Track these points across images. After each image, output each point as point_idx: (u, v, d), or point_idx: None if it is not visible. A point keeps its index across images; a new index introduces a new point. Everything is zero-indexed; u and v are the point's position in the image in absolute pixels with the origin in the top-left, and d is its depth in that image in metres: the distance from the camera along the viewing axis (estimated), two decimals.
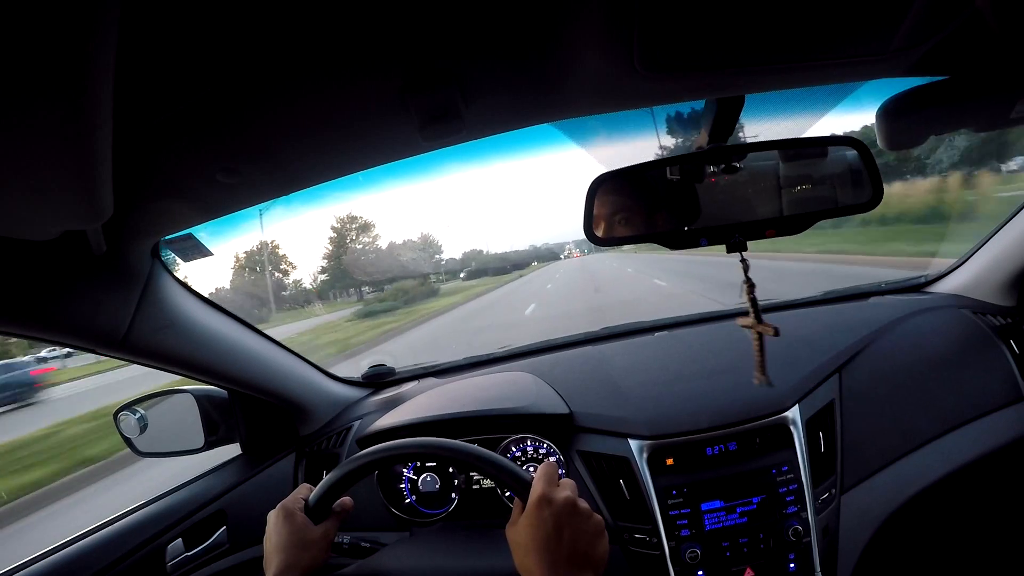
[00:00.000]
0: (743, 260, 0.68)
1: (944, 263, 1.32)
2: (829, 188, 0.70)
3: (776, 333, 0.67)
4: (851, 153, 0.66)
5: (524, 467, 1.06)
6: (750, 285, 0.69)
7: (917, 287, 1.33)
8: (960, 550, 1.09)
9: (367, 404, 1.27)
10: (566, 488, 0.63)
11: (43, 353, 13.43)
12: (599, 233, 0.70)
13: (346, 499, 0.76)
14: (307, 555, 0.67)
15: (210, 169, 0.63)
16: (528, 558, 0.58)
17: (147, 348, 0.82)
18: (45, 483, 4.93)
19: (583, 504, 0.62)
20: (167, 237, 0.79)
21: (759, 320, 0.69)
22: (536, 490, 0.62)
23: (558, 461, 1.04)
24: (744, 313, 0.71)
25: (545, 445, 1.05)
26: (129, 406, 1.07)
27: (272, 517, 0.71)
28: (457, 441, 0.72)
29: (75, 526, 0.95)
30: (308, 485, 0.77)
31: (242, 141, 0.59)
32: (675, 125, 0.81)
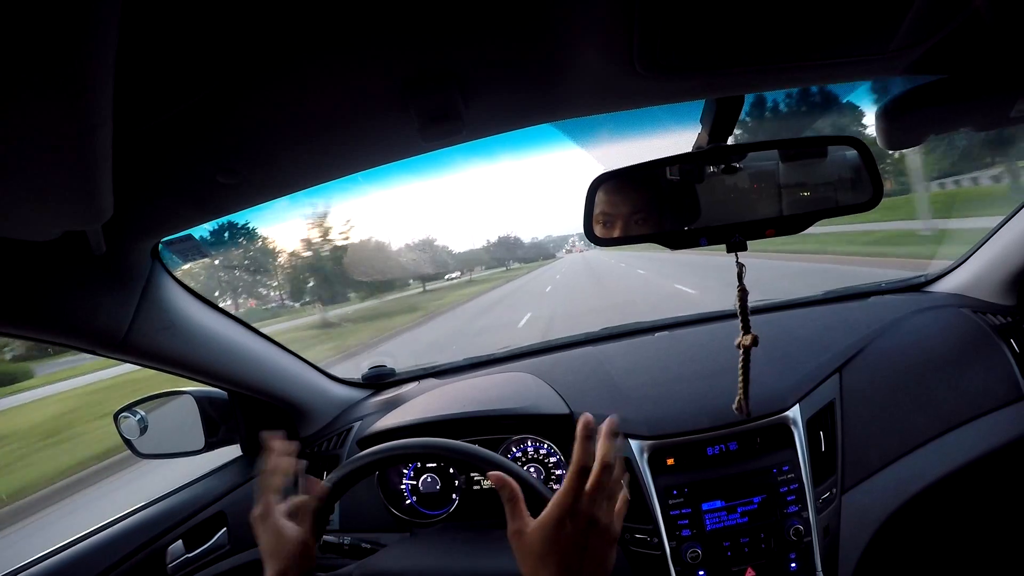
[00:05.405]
0: (739, 263, 0.68)
1: (944, 263, 1.32)
2: (829, 187, 0.70)
3: (755, 343, 0.67)
4: (851, 152, 0.66)
5: (524, 467, 1.06)
6: (743, 291, 0.68)
7: (917, 286, 1.33)
8: (961, 549, 1.09)
9: (367, 405, 1.27)
10: (602, 498, 0.58)
11: None
12: (599, 233, 0.70)
13: (319, 486, 0.71)
14: (293, 559, 0.65)
15: (210, 169, 0.63)
16: (543, 569, 0.56)
17: (147, 349, 0.82)
18: None
19: (605, 518, 0.58)
20: (167, 238, 0.79)
21: (747, 328, 0.69)
22: (563, 502, 0.57)
23: (558, 462, 1.04)
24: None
25: (546, 446, 1.05)
26: (129, 407, 1.07)
27: (254, 522, 0.68)
28: (460, 442, 0.72)
29: None
30: (278, 484, 0.70)
31: (242, 141, 0.59)
32: (674, 124, 0.81)
